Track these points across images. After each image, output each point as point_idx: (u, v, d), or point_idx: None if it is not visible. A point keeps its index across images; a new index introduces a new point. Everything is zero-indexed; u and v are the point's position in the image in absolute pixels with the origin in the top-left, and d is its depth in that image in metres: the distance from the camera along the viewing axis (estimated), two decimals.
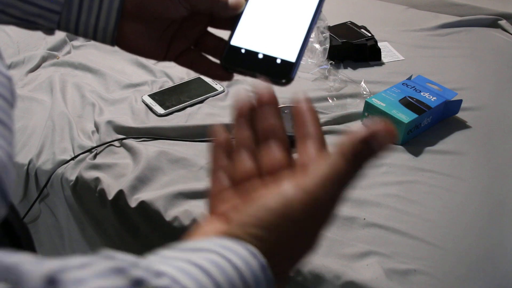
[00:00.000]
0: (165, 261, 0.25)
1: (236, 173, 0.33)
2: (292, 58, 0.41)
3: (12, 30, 1.21)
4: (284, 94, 0.37)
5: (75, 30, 0.42)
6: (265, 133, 0.32)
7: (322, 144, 0.31)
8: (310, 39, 0.49)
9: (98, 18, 0.42)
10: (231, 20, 0.44)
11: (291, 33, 0.42)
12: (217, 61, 0.45)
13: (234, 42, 0.43)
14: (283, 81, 0.40)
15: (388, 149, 0.28)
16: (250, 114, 0.33)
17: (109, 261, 0.23)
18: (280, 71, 0.41)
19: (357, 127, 0.27)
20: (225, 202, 0.32)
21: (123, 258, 0.24)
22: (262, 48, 0.42)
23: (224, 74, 0.44)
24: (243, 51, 0.42)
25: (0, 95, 0.29)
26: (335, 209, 0.29)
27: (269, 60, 0.41)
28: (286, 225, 0.27)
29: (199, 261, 0.25)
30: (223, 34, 0.45)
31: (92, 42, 1.24)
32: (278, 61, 0.41)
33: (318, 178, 0.28)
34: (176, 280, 0.24)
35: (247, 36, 0.43)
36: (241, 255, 0.26)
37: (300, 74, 1.08)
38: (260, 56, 0.41)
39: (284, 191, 0.28)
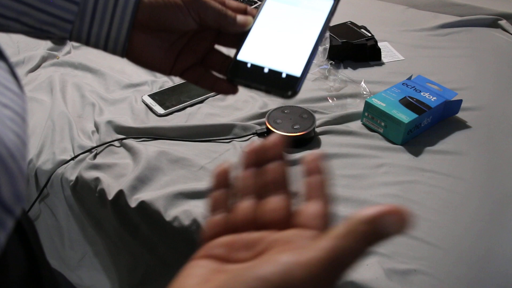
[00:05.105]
0: None
1: (234, 219, 0.32)
2: (298, 73, 0.41)
3: None
4: None
5: (87, 41, 0.43)
6: (269, 184, 0.32)
7: (327, 209, 0.30)
8: None
9: (110, 29, 0.42)
10: (238, 37, 0.44)
11: (297, 49, 0.42)
12: (223, 76, 0.45)
13: (240, 57, 0.43)
14: (289, 93, 0.41)
15: (401, 232, 0.25)
16: (258, 161, 0.33)
17: None
18: (285, 85, 0.41)
19: (367, 209, 0.25)
20: (219, 247, 0.31)
21: None
22: (268, 62, 0.42)
23: (229, 87, 0.45)
24: (249, 65, 0.43)
25: (16, 112, 0.29)
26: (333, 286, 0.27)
27: (274, 74, 0.42)
28: None
29: None
30: (230, 52, 0.45)
31: None
32: (284, 75, 0.41)
33: (321, 257, 0.26)
34: None
35: (253, 51, 0.43)
36: None
37: None
38: (266, 70, 0.42)
39: (284, 264, 0.26)
